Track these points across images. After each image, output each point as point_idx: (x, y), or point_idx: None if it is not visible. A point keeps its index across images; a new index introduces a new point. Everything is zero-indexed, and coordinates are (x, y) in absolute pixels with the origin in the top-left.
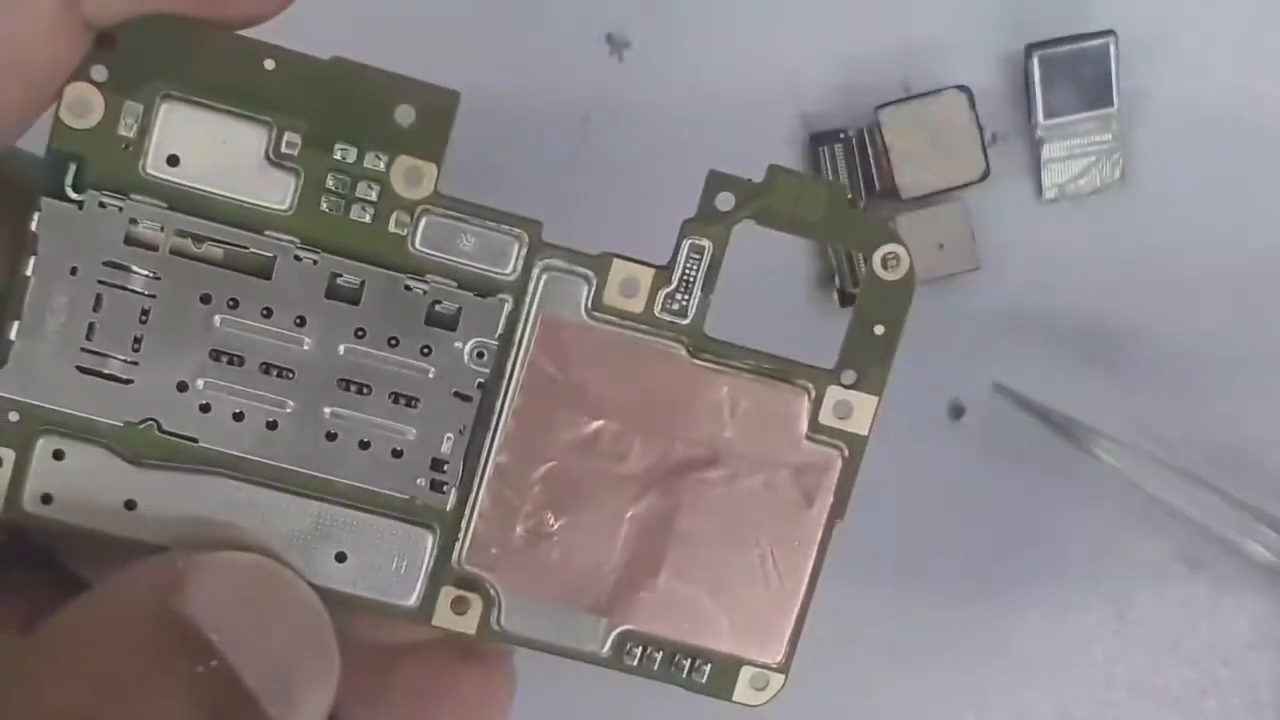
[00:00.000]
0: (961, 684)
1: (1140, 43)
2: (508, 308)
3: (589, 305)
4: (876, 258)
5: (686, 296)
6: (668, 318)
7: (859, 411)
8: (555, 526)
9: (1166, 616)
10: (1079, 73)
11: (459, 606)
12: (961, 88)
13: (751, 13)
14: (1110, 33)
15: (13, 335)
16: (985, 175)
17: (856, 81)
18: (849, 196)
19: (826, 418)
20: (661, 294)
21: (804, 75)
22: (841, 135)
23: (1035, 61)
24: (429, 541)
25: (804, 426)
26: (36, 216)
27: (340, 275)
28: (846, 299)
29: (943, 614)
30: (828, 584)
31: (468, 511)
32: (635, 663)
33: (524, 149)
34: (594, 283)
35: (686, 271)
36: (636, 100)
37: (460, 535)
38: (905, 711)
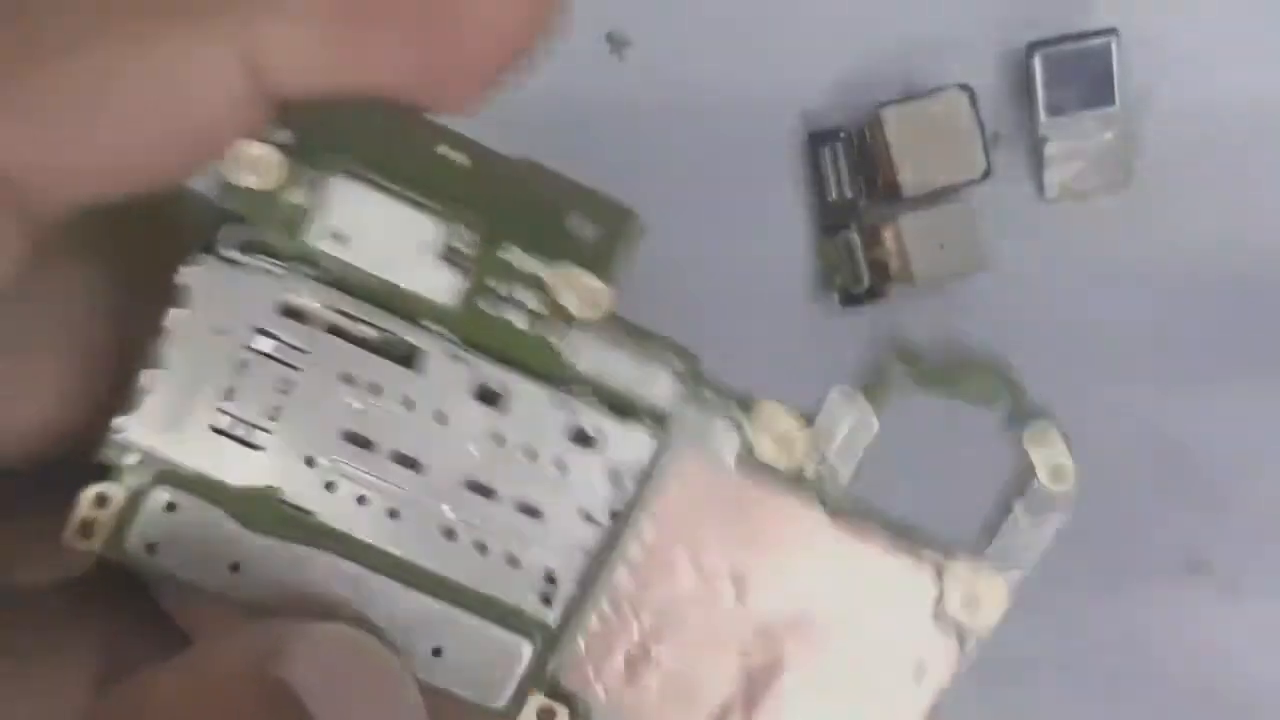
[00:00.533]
0: None
1: (1142, 41)
2: (651, 442)
3: (739, 452)
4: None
5: (846, 462)
6: (815, 477)
7: (986, 603)
8: (656, 654)
9: None
10: (1081, 71)
11: (545, 716)
12: (963, 86)
13: (752, 11)
14: (1112, 31)
15: (143, 382)
16: (987, 174)
17: (857, 80)
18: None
19: (953, 606)
20: (814, 453)
21: (804, 73)
22: (842, 134)
23: (1037, 60)
24: (527, 651)
25: (930, 609)
26: (190, 270)
27: (489, 379)
28: (848, 298)
29: None
30: None
31: (572, 628)
32: None
33: (522, 147)
34: (745, 429)
35: (847, 440)
36: (636, 100)
37: (559, 650)
38: None
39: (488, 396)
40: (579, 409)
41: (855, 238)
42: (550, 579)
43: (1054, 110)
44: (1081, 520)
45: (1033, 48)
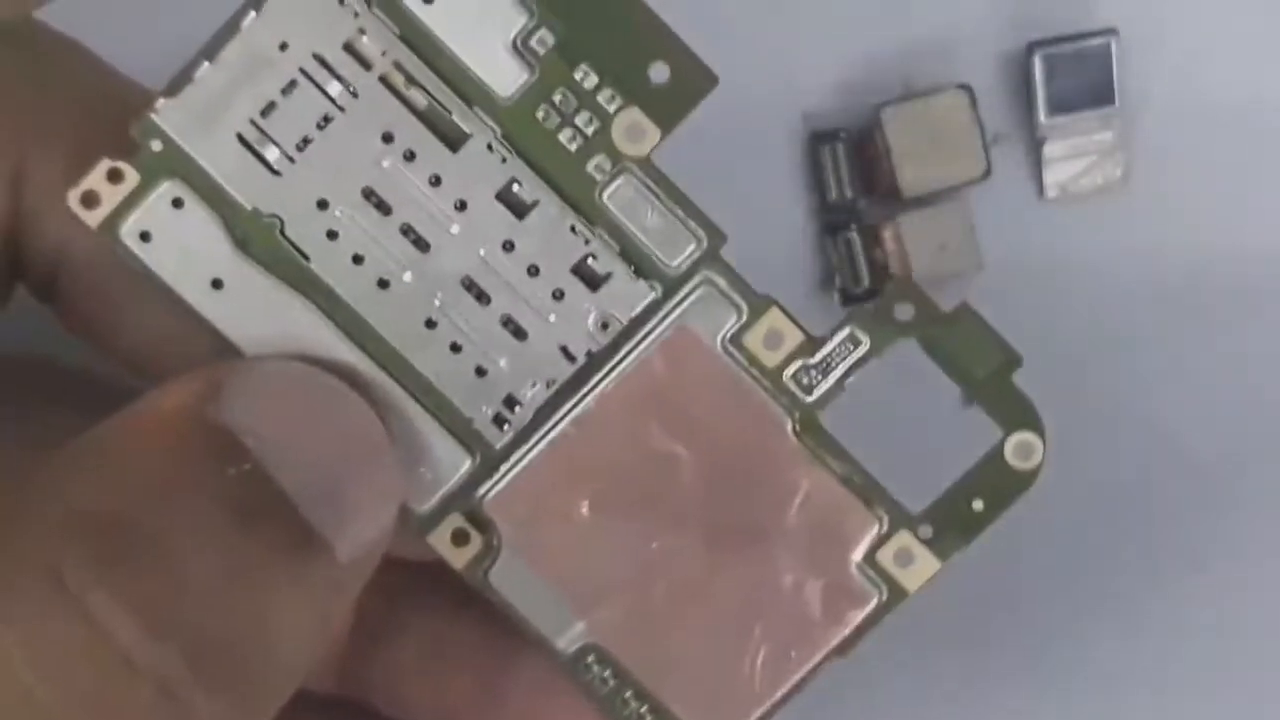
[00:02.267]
0: None
1: (1142, 41)
2: (653, 297)
3: (728, 337)
4: (1012, 441)
5: (820, 377)
6: (793, 387)
7: (918, 567)
8: (585, 515)
9: None
10: (1081, 71)
11: (460, 539)
12: (963, 86)
13: (751, 11)
14: (1112, 31)
15: (196, 75)
16: (987, 174)
17: (857, 80)
18: (1019, 367)
19: (885, 557)
20: (799, 363)
21: (804, 74)
22: (842, 134)
23: (1037, 60)
24: (465, 465)
25: (860, 553)
26: None
27: (519, 184)
28: (848, 298)
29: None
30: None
31: (514, 459)
32: (588, 677)
33: None
34: (743, 318)
35: (833, 355)
36: None
37: (495, 477)
38: None
39: (513, 203)
40: (595, 244)
41: (855, 238)
42: (510, 403)
43: (1054, 110)
44: (1077, 516)
45: (1033, 47)
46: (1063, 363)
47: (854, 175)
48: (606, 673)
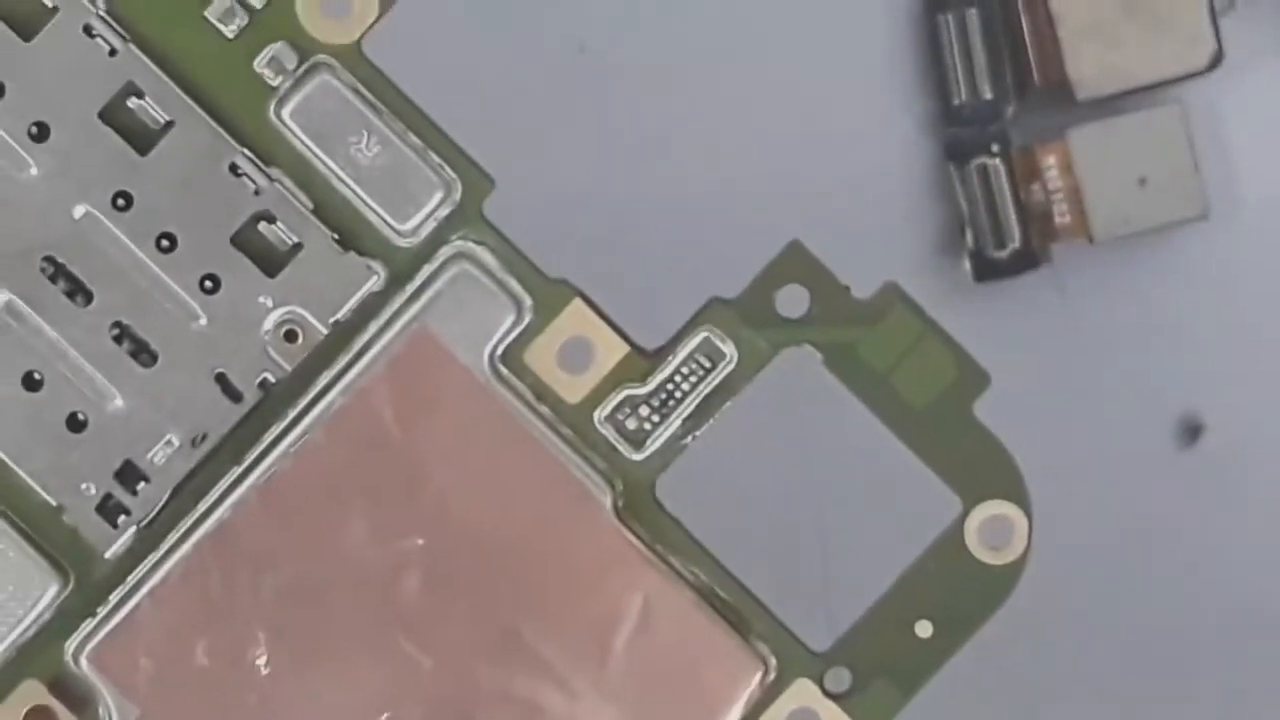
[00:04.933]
0: None
1: None
2: (372, 284)
3: (498, 353)
4: (975, 517)
5: (658, 417)
6: (612, 435)
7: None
8: (264, 669)
9: None
10: None
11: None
12: None
13: None
14: None
15: None
16: (1216, 62)
17: None
18: (985, 390)
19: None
20: (621, 393)
21: None
22: None
23: None
24: (51, 589)
25: (734, 716)
26: None
27: (141, 94)
28: (987, 267)
29: None
30: None
31: (133, 577)
32: None
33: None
34: (525, 318)
35: (678, 376)
36: None
37: (104, 610)
38: None
39: (128, 124)
40: (271, 195)
41: (999, 167)
42: (130, 476)
43: None
44: None
45: None
46: None
47: (995, 63)
48: None
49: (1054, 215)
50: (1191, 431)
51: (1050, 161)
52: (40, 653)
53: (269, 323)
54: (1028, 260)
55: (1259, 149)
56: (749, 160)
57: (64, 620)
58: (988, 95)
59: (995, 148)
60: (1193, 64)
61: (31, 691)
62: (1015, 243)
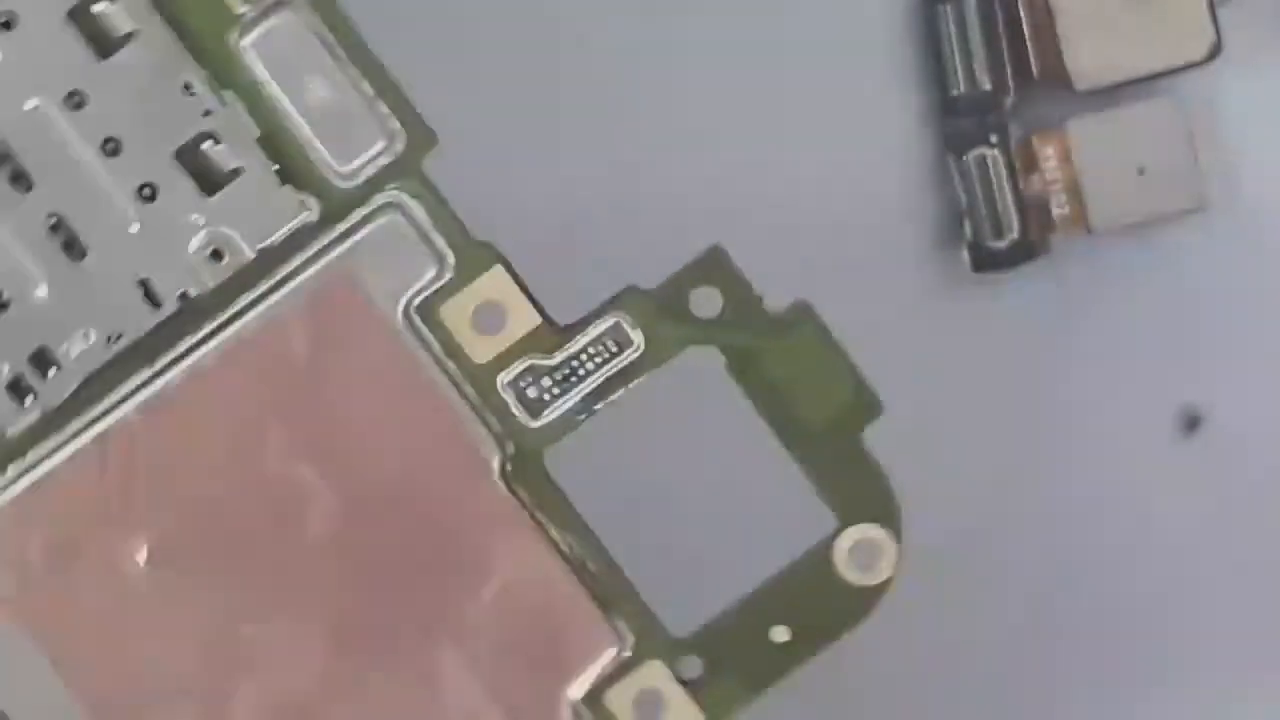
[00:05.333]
0: None
1: None
2: (305, 218)
3: (415, 302)
4: (847, 537)
5: (559, 390)
6: (511, 400)
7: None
8: (139, 570)
9: None
10: None
11: None
12: None
13: None
14: None
15: None
16: (1215, 53)
17: None
18: (875, 419)
19: (619, 700)
20: (526, 361)
21: None
22: None
23: None
24: None
25: (580, 688)
26: None
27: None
28: (985, 258)
29: None
30: None
31: (30, 457)
32: None
33: None
34: (445, 275)
35: (585, 354)
36: None
37: None
38: None
39: (92, 31)
40: (221, 119)
41: (996, 157)
42: (43, 361)
43: None
44: None
45: None
46: None
47: (993, 54)
48: None
49: (1052, 206)
50: (1190, 422)
51: (1049, 152)
52: None
53: (198, 240)
54: (1026, 251)
55: (1258, 140)
56: (739, 152)
57: None
58: (986, 86)
59: (993, 138)
60: (1192, 55)
61: None
62: (1014, 233)
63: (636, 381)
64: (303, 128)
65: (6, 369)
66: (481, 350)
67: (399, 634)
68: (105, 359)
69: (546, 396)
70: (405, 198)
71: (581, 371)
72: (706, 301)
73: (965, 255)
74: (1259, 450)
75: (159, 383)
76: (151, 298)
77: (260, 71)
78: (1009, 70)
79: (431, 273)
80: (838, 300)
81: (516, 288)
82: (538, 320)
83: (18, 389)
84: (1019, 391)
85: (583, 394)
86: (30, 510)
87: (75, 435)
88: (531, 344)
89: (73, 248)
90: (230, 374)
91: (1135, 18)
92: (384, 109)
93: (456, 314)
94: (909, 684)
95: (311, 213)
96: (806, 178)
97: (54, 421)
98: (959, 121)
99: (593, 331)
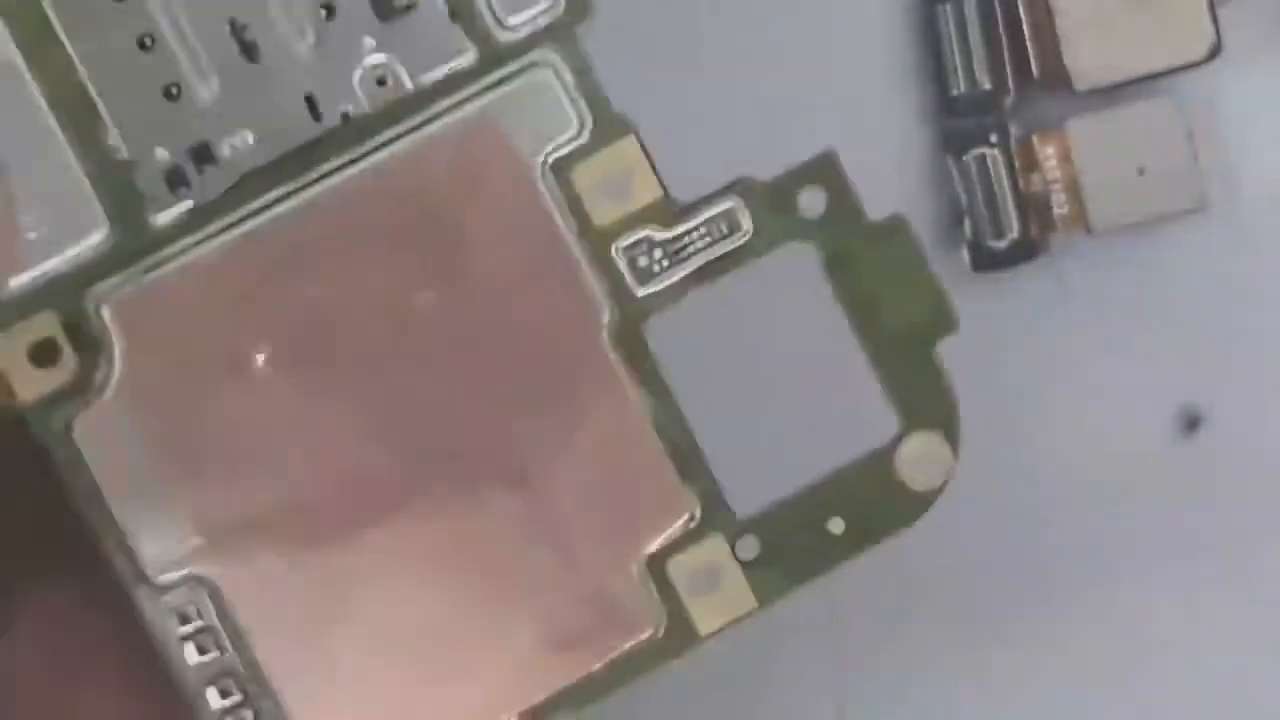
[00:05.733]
0: None
1: None
2: (466, 61)
3: (553, 158)
4: (910, 443)
5: (667, 263)
6: (623, 265)
7: (722, 599)
8: (260, 369)
9: None
10: None
11: (45, 354)
12: None
13: None
14: None
15: None
16: (1215, 53)
17: None
18: (949, 335)
19: (681, 568)
20: (644, 231)
21: None
22: None
23: None
24: (97, 235)
25: (651, 545)
26: None
27: None
28: (985, 258)
29: None
30: None
31: (177, 246)
32: (177, 623)
33: None
34: (583, 137)
35: (696, 235)
36: None
37: (134, 268)
38: None
39: None
40: None
41: (996, 157)
42: (201, 156)
43: None
44: None
45: None
46: None
47: (993, 53)
48: (202, 633)
49: (1052, 206)
50: (1189, 422)
51: (1049, 152)
52: (66, 291)
53: (367, 63)
54: (1026, 251)
55: (1258, 140)
56: (739, 151)
57: (98, 267)
58: (986, 86)
59: (993, 138)
60: (1191, 55)
61: (46, 323)
62: (1013, 233)
63: (739, 268)
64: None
65: (167, 156)
66: (604, 214)
67: (487, 464)
68: (261, 162)
69: (656, 267)
70: (557, 59)
71: (691, 249)
72: (813, 201)
73: (965, 255)
74: (1259, 450)
75: (308, 193)
76: (314, 110)
77: None
78: (1009, 70)
79: (570, 133)
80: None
81: (645, 160)
82: (660, 193)
83: (173, 178)
84: (1019, 391)
85: (690, 270)
86: (168, 297)
87: (223, 231)
88: (650, 215)
89: (249, 51)
90: (373, 197)
91: (1135, 18)
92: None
93: (587, 176)
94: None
95: (471, 55)
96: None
97: (201, 215)
98: (959, 121)
99: (708, 212)
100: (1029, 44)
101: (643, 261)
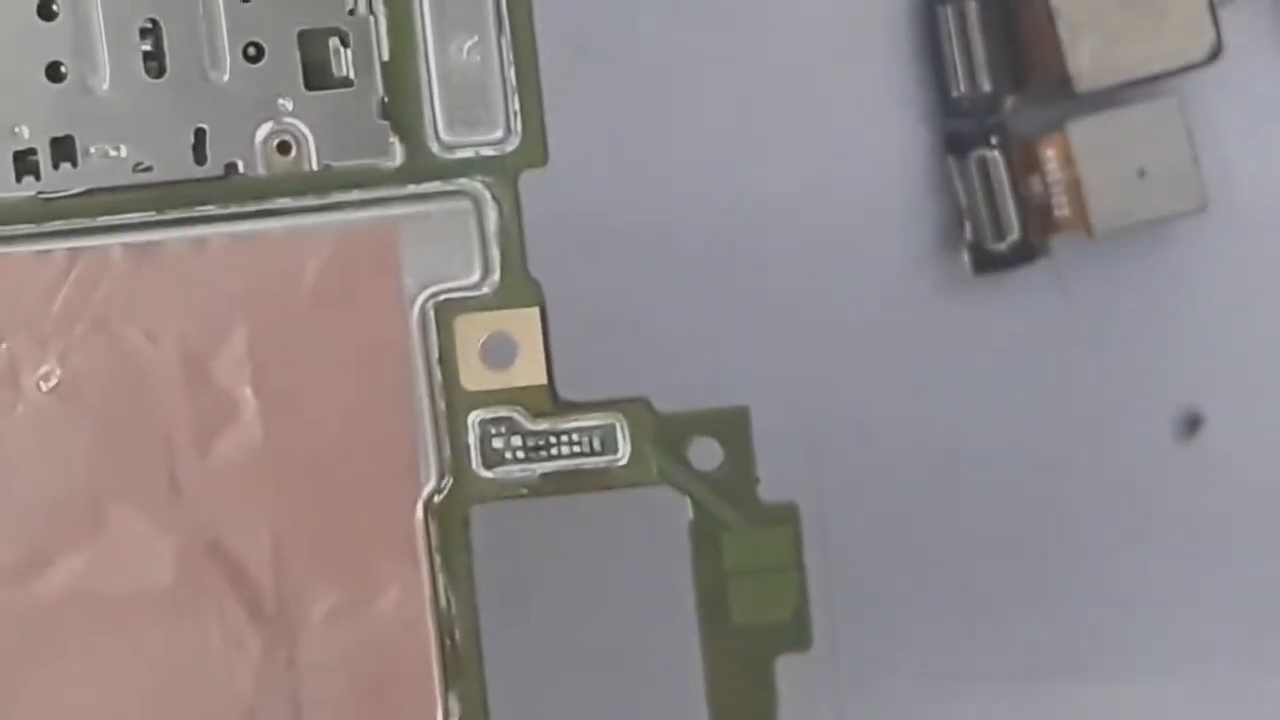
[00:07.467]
0: None
1: None
2: (389, 162)
3: (443, 297)
4: None
5: (524, 456)
6: (474, 438)
7: None
8: (43, 389)
9: None
10: None
11: None
12: None
13: None
14: None
15: None
16: (1215, 54)
17: None
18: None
19: None
20: (510, 411)
21: None
22: None
23: None
24: None
25: None
26: None
27: None
28: (986, 260)
29: None
30: None
31: (9, 232)
32: None
33: None
34: (484, 291)
35: (566, 437)
36: None
37: None
38: None
39: None
40: (360, 28)
41: (997, 158)
42: (66, 147)
43: None
44: None
45: None
46: None
47: (994, 55)
48: None
49: (1053, 207)
50: (1190, 424)
51: (1049, 154)
52: None
53: (274, 124)
54: (1027, 252)
55: (1258, 141)
56: (739, 151)
57: None
58: (987, 87)
59: (994, 140)
60: (1192, 56)
61: None
62: (1014, 235)
63: (597, 491)
64: (433, 79)
65: (27, 134)
66: (474, 377)
67: (244, 590)
68: (121, 181)
69: (509, 455)
70: (486, 196)
71: (554, 451)
72: (706, 454)
73: (966, 257)
74: (1259, 450)
75: (156, 234)
76: (200, 150)
77: (423, 10)
78: (1009, 72)
79: (470, 279)
80: (838, 301)
81: (541, 340)
82: (543, 380)
83: (24, 163)
84: (1019, 392)
85: (543, 472)
86: None
87: (54, 235)
88: (524, 399)
89: (154, 61)
90: (227, 266)
91: (1135, 19)
92: (517, 106)
93: (471, 331)
94: None
95: (394, 159)
96: (807, 178)
97: (41, 210)
98: (960, 123)
99: (586, 420)
100: (1030, 46)
101: (497, 443)
